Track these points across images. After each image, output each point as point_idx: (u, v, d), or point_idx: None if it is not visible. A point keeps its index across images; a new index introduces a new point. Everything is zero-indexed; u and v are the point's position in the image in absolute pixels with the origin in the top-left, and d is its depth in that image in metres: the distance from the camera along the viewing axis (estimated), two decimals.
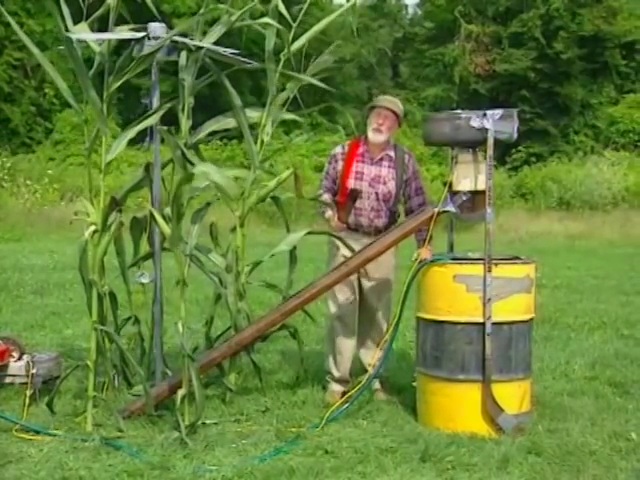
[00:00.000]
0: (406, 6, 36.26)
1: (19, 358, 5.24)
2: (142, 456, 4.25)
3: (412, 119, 27.47)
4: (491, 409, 4.70)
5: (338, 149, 5.43)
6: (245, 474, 4.06)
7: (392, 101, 5.37)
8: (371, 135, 5.27)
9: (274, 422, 4.81)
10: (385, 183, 5.29)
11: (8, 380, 5.20)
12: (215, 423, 4.75)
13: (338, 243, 5.23)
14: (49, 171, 19.36)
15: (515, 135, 4.88)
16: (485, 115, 4.76)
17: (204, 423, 4.66)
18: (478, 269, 4.75)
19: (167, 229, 4.65)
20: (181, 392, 4.62)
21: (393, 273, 5.43)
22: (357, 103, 28.93)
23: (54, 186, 18.66)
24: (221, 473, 4.06)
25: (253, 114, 5.06)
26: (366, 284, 5.36)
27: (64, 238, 14.86)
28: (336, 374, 5.44)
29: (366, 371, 5.42)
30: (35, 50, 4.78)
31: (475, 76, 29.34)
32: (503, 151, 24.42)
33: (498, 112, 4.78)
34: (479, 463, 4.25)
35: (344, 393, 5.34)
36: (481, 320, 4.71)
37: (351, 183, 5.27)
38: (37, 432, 4.57)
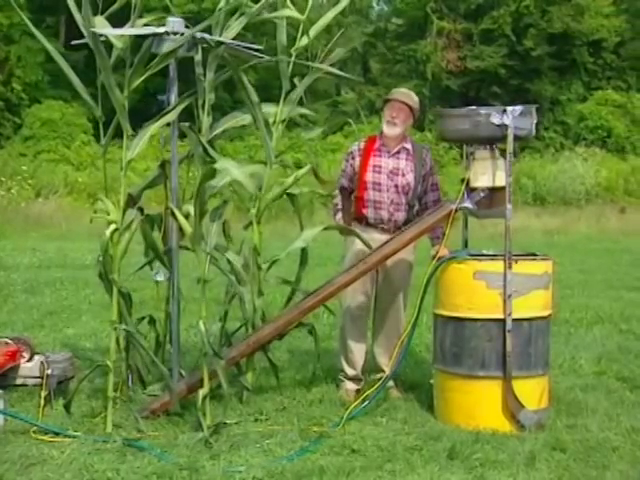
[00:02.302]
0: (378, 0, 36.24)
1: (30, 359, 5.15)
2: (168, 457, 4.20)
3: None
4: (512, 405, 4.71)
5: (354, 146, 5.41)
6: (276, 474, 4.03)
7: (406, 94, 5.36)
8: (385, 128, 5.26)
9: (295, 421, 4.77)
10: (404, 175, 5.28)
11: (19, 381, 5.10)
12: (236, 423, 4.70)
13: (355, 240, 5.20)
14: (24, 167, 19.07)
15: (534, 131, 4.90)
16: (505, 111, 4.76)
17: (225, 423, 4.61)
18: (498, 266, 4.76)
19: (188, 227, 4.59)
20: (202, 391, 4.57)
21: (411, 271, 5.41)
22: (326, 99, 28.89)
23: (29, 182, 18.40)
24: (251, 474, 4.03)
25: (269, 109, 5.01)
26: (383, 281, 5.34)
27: (44, 236, 14.69)
28: (349, 372, 5.42)
29: (380, 369, 5.42)
30: (49, 46, 4.68)
31: (447, 72, 29.46)
32: None
33: (518, 108, 4.78)
34: (506, 460, 4.25)
35: (357, 391, 5.34)
36: (501, 317, 4.72)
37: (369, 176, 5.26)
38: (56, 434, 4.49)
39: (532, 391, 4.79)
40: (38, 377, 4.97)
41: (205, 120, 4.62)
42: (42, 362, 4.95)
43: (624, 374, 5.98)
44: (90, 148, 21.85)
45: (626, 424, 4.85)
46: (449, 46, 29.58)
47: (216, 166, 4.52)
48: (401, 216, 5.30)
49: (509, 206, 4.81)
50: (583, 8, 30.29)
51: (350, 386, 5.40)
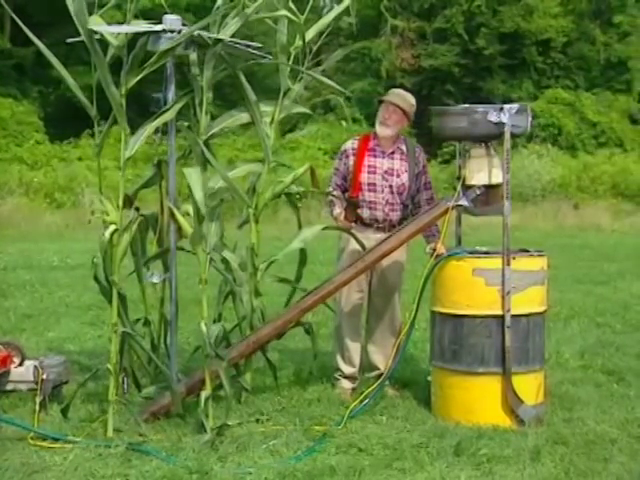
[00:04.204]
0: None
1: (20, 364, 5.03)
2: (175, 460, 4.15)
3: (340, 113, 27.63)
4: (511, 401, 4.76)
5: (348, 144, 5.40)
6: (287, 475, 4.00)
7: (401, 96, 5.36)
8: (378, 128, 5.27)
9: (297, 421, 4.75)
10: (399, 176, 5.29)
11: (10, 387, 4.98)
12: (238, 424, 4.66)
13: (352, 238, 5.19)
14: None
15: (529, 129, 4.96)
16: (502, 109, 4.80)
17: (227, 424, 4.56)
18: (497, 262, 4.80)
19: (188, 227, 4.53)
20: (205, 393, 4.52)
21: (403, 269, 5.43)
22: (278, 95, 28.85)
23: None
24: (263, 475, 4.00)
25: (267, 108, 4.98)
26: (377, 281, 5.35)
27: (3, 237, 14.31)
28: (347, 371, 5.41)
29: (375, 368, 5.43)
30: (40, 45, 4.55)
31: (401, 71, 29.65)
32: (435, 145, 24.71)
33: (515, 106, 4.83)
34: (512, 455, 4.29)
35: (353, 390, 5.34)
36: (500, 313, 4.76)
37: (364, 177, 5.26)
38: (56, 439, 4.40)
39: (530, 386, 4.84)
40: (31, 382, 4.86)
41: (203, 119, 4.56)
42: (36, 367, 4.83)
43: (609, 367, 6.09)
44: (44, 147, 21.45)
45: (619, 416, 4.93)
46: (403, 44, 29.76)
47: (184, 171, 4.46)
48: (396, 216, 5.31)
49: (507, 203, 4.85)
50: (532, 8, 30.74)
51: (346, 385, 5.39)
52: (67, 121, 23.96)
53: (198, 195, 4.34)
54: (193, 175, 4.36)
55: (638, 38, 31.10)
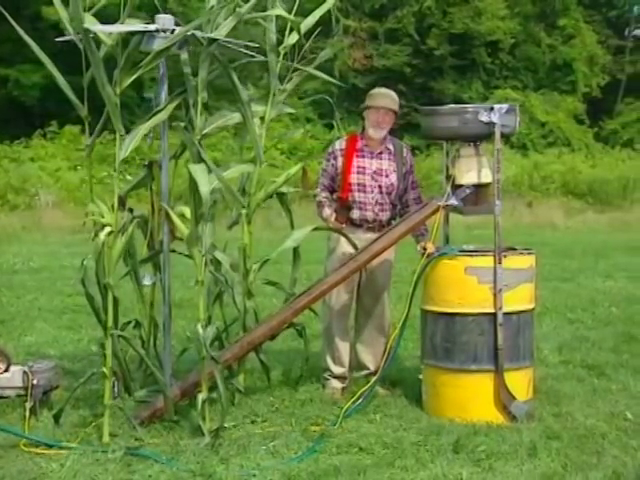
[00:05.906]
0: None
1: (6, 369, 4.92)
2: (177, 464, 4.11)
3: (295, 114, 27.58)
4: (504, 397, 4.81)
5: (336, 145, 5.40)
6: (292, 476, 3.99)
7: (390, 98, 5.36)
8: (372, 132, 5.27)
9: (292, 421, 4.75)
10: (387, 176, 5.31)
11: None
12: (234, 426, 4.64)
13: (341, 239, 5.20)
14: None
15: (517, 129, 5.03)
16: (492, 109, 4.86)
17: (224, 426, 4.53)
18: (489, 261, 4.86)
19: (184, 228, 4.48)
20: (202, 396, 4.48)
21: (391, 269, 5.46)
22: (228, 95, 28.73)
23: None
24: (267, 477, 4.00)
25: (258, 108, 4.96)
26: (367, 280, 5.36)
27: None
28: (336, 371, 5.41)
29: (364, 367, 5.45)
30: (32, 43, 4.46)
31: (353, 71, 29.76)
32: None
33: (504, 106, 4.89)
34: (509, 451, 4.34)
35: (343, 389, 5.35)
36: (492, 311, 4.81)
37: (353, 178, 5.26)
38: (50, 446, 4.32)
39: (521, 382, 4.90)
40: (19, 388, 4.76)
41: (198, 119, 4.52)
42: (26, 372, 4.73)
43: (588, 362, 6.19)
44: None
45: (605, 410, 5.03)
46: (355, 44, 29.88)
47: (189, 167, 4.43)
48: (385, 216, 5.33)
49: (498, 202, 4.92)
50: (481, 10, 31.13)
51: (337, 384, 5.39)
52: (13, 121, 23.53)
53: (204, 190, 4.26)
54: (198, 171, 4.31)
55: (582, 41, 31.69)
